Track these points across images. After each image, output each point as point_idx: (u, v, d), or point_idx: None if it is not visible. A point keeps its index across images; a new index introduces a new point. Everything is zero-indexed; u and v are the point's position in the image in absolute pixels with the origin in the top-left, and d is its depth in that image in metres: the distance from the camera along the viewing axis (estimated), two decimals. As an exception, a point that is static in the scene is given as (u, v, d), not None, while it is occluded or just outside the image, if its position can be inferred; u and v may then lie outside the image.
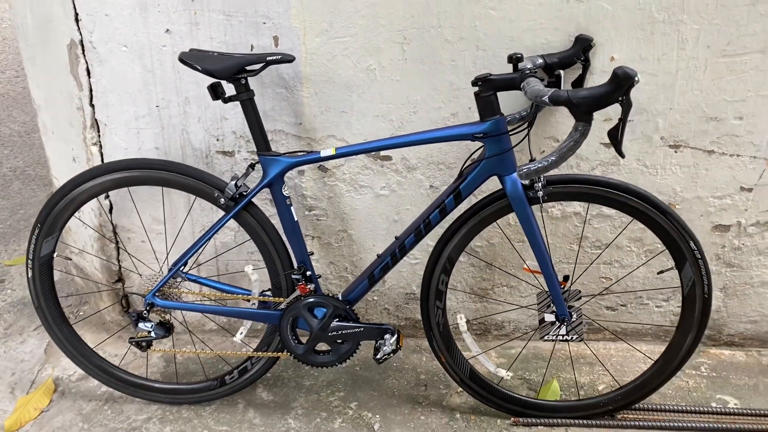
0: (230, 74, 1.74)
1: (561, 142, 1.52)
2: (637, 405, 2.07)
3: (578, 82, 1.93)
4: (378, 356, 1.95)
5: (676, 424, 2.04)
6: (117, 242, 2.29)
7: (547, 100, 1.49)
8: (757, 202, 2.12)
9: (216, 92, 1.80)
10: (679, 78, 1.94)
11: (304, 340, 2.00)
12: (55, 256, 2.01)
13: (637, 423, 2.05)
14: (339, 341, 1.98)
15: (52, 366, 2.31)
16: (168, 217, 2.23)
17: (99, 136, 2.11)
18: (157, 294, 1.95)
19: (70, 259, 2.37)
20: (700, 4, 1.84)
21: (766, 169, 2.07)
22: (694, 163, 2.07)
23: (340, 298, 1.98)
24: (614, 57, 1.92)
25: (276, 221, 1.93)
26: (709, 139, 2.03)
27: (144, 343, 2.00)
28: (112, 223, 2.25)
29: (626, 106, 1.44)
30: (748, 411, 2.10)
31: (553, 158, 1.55)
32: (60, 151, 2.25)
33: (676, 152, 2.06)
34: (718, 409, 2.11)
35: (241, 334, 2.05)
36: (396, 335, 1.96)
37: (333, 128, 2.07)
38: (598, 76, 1.94)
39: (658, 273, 2.22)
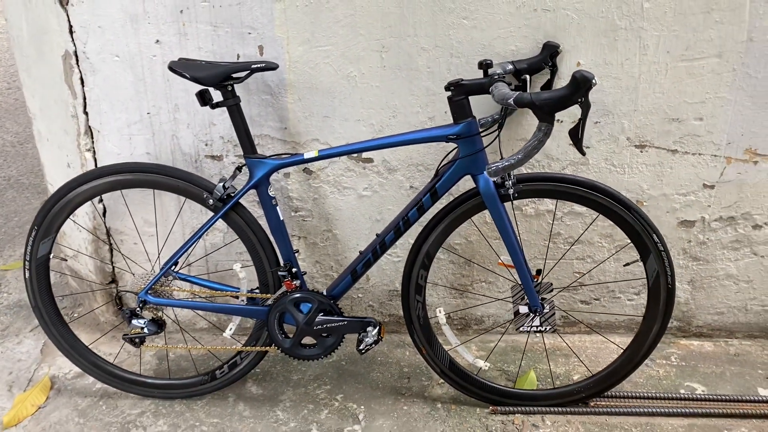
0: (217, 81, 1.84)
1: (526, 141, 1.63)
2: (609, 392, 2.18)
3: (546, 87, 2.05)
4: (361, 347, 2.05)
5: (645, 409, 2.15)
6: (110, 244, 2.38)
7: (512, 102, 1.60)
8: (719, 198, 2.24)
9: (204, 99, 1.90)
10: (642, 81, 2.06)
11: (290, 334, 2.09)
12: (51, 257, 2.10)
13: (608, 409, 2.15)
14: (324, 335, 2.07)
15: (48, 365, 2.40)
16: (159, 220, 2.32)
17: (93, 142, 2.21)
18: (149, 291, 2.05)
19: (66, 260, 2.45)
20: (659, 12, 1.96)
21: (726, 167, 2.19)
22: (659, 162, 2.19)
23: (325, 293, 2.08)
24: (580, 62, 2.04)
25: (263, 221, 2.03)
26: (672, 139, 2.15)
27: (137, 339, 2.09)
28: (106, 226, 2.34)
29: (585, 107, 1.54)
30: (715, 396, 2.21)
31: (520, 156, 1.65)
32: (55, 157, 2.35)
33: (641, 152, 2.17)
34: (686, 395, 2.22)
35: (230, 330, 2.14)
36: (377, 327, 2.06)
37: (317, 132, 2.17)
38: (564, 81, 2.05)
39: (624, 265, 2.33)
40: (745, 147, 2.15)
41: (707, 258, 2.35)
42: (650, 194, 2.24)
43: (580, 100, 1.54)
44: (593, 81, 1.51)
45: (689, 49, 2.02)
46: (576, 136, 1.58)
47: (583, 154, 1.59)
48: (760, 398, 2.19)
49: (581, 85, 1.51)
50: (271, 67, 1.89)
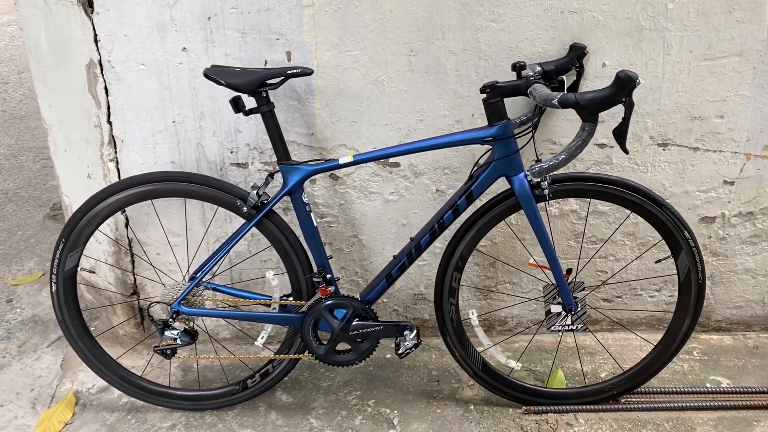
0: (253, 88, 1.83)
1: (570, 141, 1.65)
2: (638, 389, 2.21)
3: (573, 88, 2.07)
4: (400, 351, 2.05)
5: (675, 404, 2.18)
6: (132, 255, 2.34)
7: (557, 103, 1.62)
8: (739, 194, 2.29)
9: (238, 105, 1.89)
10: (665, 81, 2.10)
11: (324, 341, 2.08)
12: (79, 270, 2.06)
13: (639, 405, 2.18)
14: (359, 340, 2.07)
15: (71, 380, 2.35)
16: (181, 230, 2.30)
17: (116, 152, 2.18)
18: (182, 302, 2.02)
19: (94, 272, 2.41)
20: (682, 13, 2.00)
21: (746, 163, 2.23)
22: (680, 160, 2.22)
23: (359, 298, 2.07)
24: (606, 63, 2.07)
25: (295, 228, 2.02)
26: (694, 137, 2.19)
27: (169, 351, 2.06)
28: (128, 237, 2.31)
29: (629, 107, 1.57)
30: (741, 389, 2.25)
31: (563, 156, 1.67)
32: (73, 169, 2.31)
33: (664, 150, 2.21)
34: (713, 389, 2.25)
35: (262, 338, 2.12)
36: (415, 331, 2.06)
37: (344, 138, 2.17)
38: (591, 81, 2.09)
39: (655, 262, 2.36)
40: (764, 143, 2.20)
41: (726, 253, 2.40)
42: (672, 192, 2.28)
43: (624, 99, 1.56)
44: (638, 80, 1.53)
45: (711, 49, 2.06)
46: (620, 135, 1.60)
47: (627, 152, 1.62)
48: (784, 389, 2.24)
49: (626, 84, 1.54)
50: (307, 72, 1.89)
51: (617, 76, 1.54)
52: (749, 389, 2.24)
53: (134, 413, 2.21)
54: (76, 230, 2.00)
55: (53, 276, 2.04)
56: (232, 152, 2.19)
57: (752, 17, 2.02)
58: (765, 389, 2.23)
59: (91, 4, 1.99)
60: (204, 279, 2.06)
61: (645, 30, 2.03)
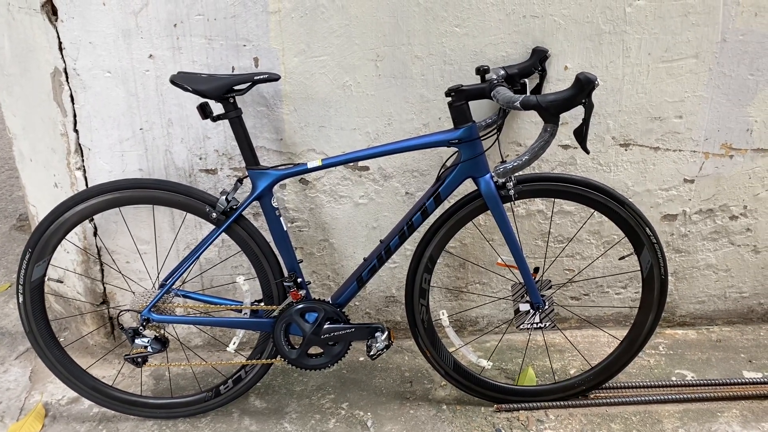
0: (220, 94, 1.84)
1: (533, 142, 1.69)
2: (606, 384, 2.25)
3: (536, 90, 2.12)
4: (371, 353, 2.06)
5: (642, 398, 2.23)
6: (101, 264, 2.32)
7: (519, 105, 1.65)
8: (699, 192, 2.35)
9: (205, 111, 1.89)
10: (625, 83, 2.16)
11: (296, 345, 2.09)
12: (46, 280, 2.04)
13: (608, 400, 2.23)
14: (331, 343, 2.08)
15: (40, 392, 2.32)
16: (150, 237, 2.28)
17: (83, 160, 2.16)
18: (152, 309, 2.01)
19: (62, 282, 2.38)
20: (640, 16, 2.06)
21: (705, 161, 2.30)
22: (642, 160, 2.28)
23: (330, 302, 2.08)
24: (567, 66, 2.12)
25: (265, 233, 2.03)
26: (654, 136, 2.25)
27: (140, 359, 2.05)
28: (97, 246, 2.29)
29: (589, 108, 1.61)
30: (705, 381, 2.31)
31: (527, 157, 1.71)
32: (39, 178, 2.29)
33: (626, 150, 2.27)
34: (678, 382, 2.31)
35: (234, 344, 2.12)
36: (387, 332, 2.07)
37: (313, 142, 2.18)
38: (553, 84, 2.13)
39: (619, 259, 2.42)
40: (721, 142, 2.27)
41: (689, 249, 2.46)
42: (635, 191, 2.33)
43: (584, 101, 1.60)
44: (596, 82, 1.57)
45: (668, 51, 2.12)
46: (581, 135, 1.64)
47: (588, 152, 1.66)
48: (746, 380, 2.30)
49: (585, 86, 1.58)
50: (273, 78, 1.90)
51: (577, 78, 1.58)
52: (713, 381, 2.31)
53: (105, 423, 2.19)
54: (43, 239, 1.98)
55: (20, 287, 2.02)
56: (200, 158, 2.19)
57: (707, 20, 2.09)
58: (728, 381, 2.30)
59: (55, 12, 1.98)
60: (174, 286, 2.06)
61: (605, 33, 2.08)
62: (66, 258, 2.34)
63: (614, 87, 2.16)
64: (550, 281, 2.13)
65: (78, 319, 2.48)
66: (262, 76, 1.88)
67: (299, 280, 2.05)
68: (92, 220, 2.25)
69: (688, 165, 2.30)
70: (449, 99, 1.86)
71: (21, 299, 2.03)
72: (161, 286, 2.04)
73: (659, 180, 2.32)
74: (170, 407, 2.19)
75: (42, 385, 2.35)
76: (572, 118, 2.17)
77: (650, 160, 2.29)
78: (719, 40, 2.12)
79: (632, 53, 2.12)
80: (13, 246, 3.23)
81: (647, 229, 2.01)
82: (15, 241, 3.28)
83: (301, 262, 2.13)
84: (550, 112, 1.64)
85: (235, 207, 1.98)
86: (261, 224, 2.20)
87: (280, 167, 1.96)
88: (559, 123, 1.68)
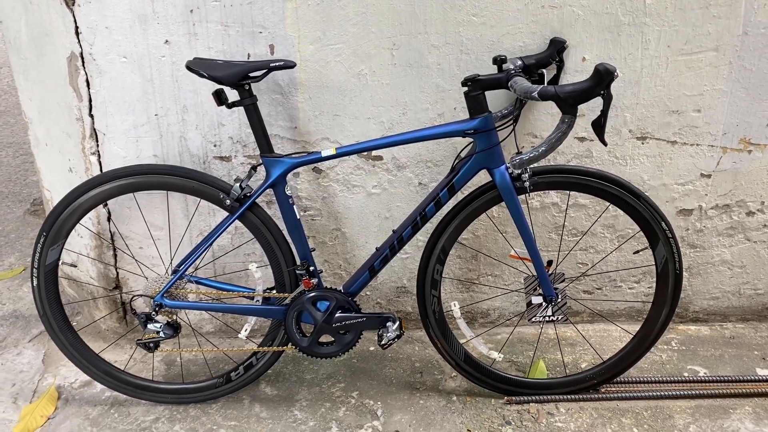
0: (235, 80, 1.83)
1: (549, 134, 1.67)
2: (618, 378, 2.24)
3: (553, 81, 2.10)
4: (383, 343, 2.06)
5: (654, 393, 2.21)
6: (114, 249, 2.34)
7: (537, 96, 1.64)
8: (715, 187, 2.33)
9: (220, 98, 1.89)
10: (643, 75, 2.13)
11: (308, 333, 2.09)
12: (60, 264, 2.05)
13: (619, 394, 2.21)
14: (342, 332, 2.08)
15: (53, 375, 2.34)
16: (164, 223, 2.29)
17: (98, 145, 2.17)
18: (165, 295, 2.02)
19: (76, 266, 2.40)
20: (660, 8, 2.03)
21: (722, 156, 2.27)
22: (659, 153, 2.26)
23: (342, 290, 2.08)
24: (585, 57, 2.10)
25: (278, 221, 2.03)
26: (671, 130, 2.22)
27: (152, 344, 2.06)
28: (110, 231, 2.30)
29: (607, 99, 1.59)
30: (717, 378, 2.29)
31: (543, 148, 1.69)
32: (54, 162, 2.30)
33: (642, 143, 2.24)
34: (690, 378, 2.29)
35: (245, 330, 2.13)
36: (398, 322, 2.07)
37: (327, 131, 2.18)
38: (570, 75, 2.11)
39: (633, 253, 2.40)
40: (740, 137, 2.24)
41: (703, 245, 2.44)
42: (650, 185, 2.31)
43: (603, 92, 1.58)
44: (616, 73, 1.55)
45: (688, 44, 2.09)
46: (599, 127, 1.62)
47: (606, 144, 1.64)
48: (759, 378, 2.28)
49: (604, 77, 1.56)
50: (289, 65, 1.89)
51: (596, 68, 1.56)
52: (726, 378, 2.29)
53: (117, 407, 2.20)
54: (57, 223, 1.99)
55: (34, 270, 2.03)
56: (215, 145, 2.19)
57: (728, 12, 2.05)
58: (741, 378, 2.28)
59: (71, -4, 1.98)
60: (187, 272, 2.06)
61: (624, 25, 2.06)
62: (80, 242, 2.35)
63: (632, 79, 2.14)
64: (563, 274, 2.12)
65: (91, 303, 2.50)
66: (277, 64, 1.87)
67: (311, 268, 2.05)
68: (106, 205, 2.25)
69: (706, 159, 2.28)
70: (465, 89, 1.84)
71: (35, 283, 2.04)
72: (174, 271, 2.04)
73: (675, 174, 2.30)
74: (181, 393, 2.20)
75: (55, 368, 2.37)
76: (589, 110, 2.15)
77: (667, 154, 2.26)
78: (740, 33, 2.09)
79: (651, 45, 2.09)
80: (27, 230, 3.26)
81: (663, 224, 1.99)
82: (29, 226, 3.30)
83: (314, 250, 2.13)
84: (569, 103, 1.62)
85: (248, 194, 1.98)
86: (274, 212, 2.20)
87: (294, 155, 1.95)
88: (577, 114, 1.66)
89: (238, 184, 1.96)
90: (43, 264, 2.02)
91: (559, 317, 2.14)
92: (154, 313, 2.03)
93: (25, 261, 3.01)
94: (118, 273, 2.39)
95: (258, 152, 1.98)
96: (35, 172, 3.03)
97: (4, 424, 2.12)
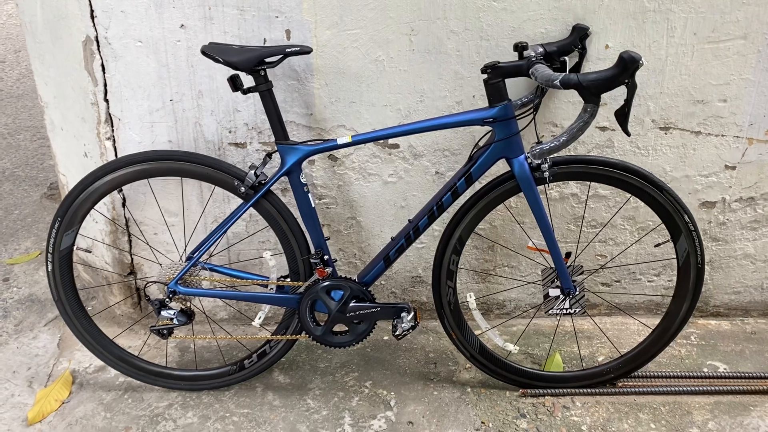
0: (251, 66, 1.81)
1: (571, 123, 1.63)
2: (635, 373, 2.21)
3: (575, 69, 2.05)
4: (397, 333, 2.04)
5: (672, 388, 2.18)
6: (129, 235, 2.33)
7: (559, 84, 1.60)
8: (740, 179, 2.27)
9: (235, 84, 1.87)
10: (668, 64, 2.08)
11: (321, 322, 2.08)
12: (75, 249, 2.05)
13: (636, 389, 2.18)
14: (356, 321, 2.06)
15: (68, 359, 2.35)
16: (178, 210, 2.28)
17: (113, 130, 2.16)
18: (179, 282, 2.01)
19: (91, 252, 2.40)
20: (687, -6, 1.98)
21: (748, 148, 2.22)
22: (682, 144, 2.21)
23: (356, 280, 2.06)
24: (608, 45, 2.04)
25: (293, 209, 2.01)
26: (696, 120, 2.17)
27: (165, 331, 2.06)
28: (125, 217, 2.29)
29: (632, 88, 1.55)
30: (737, 374, 2.25)
31: (564, 138, 1.66)
32: (70, 147, 2.29)
33: (666, 134, 2.19)
34: (710, 374, 2.26)
35: (259, 318, 2.12)
36: (412, 313, 2.05)
37: (343, 118, 2.15)
38: (593, 63, 2.06)
39: (654, 246, 2.35)
40: (766, 128, 2.18)
41: (726, 238, 2.39)
42: (673, 176, 2.26)
43: (627, 81, 1.54)
44: (641, 62, 1.51)
45: (715, 31, 2.03)
46: (622, 116, 1.58)
47: (629, 134, 1.60)
48: (781, 374, 2.24)
49: (629, 65, 1.52)
50: (305, 51, 1.86)
51: (620, 56, 1.52)
52: (746, 374, 2.25)
53: (131, 392, 2.21)
54: (72, 208, 1.98)
55: (49, 255, 2.03)
56: (230, 132, 2.17)
57: (758, -1, 1.99)
58: (762, 374, 2.24)
59: (87, -21, 1.96)
60: (201, 259, 2.05)
61: (649, 12, 2.00)
62: (95, 228, 2.35)
63: (656, 68, 2.08)
64: (581, 266, 2.08)
65: (105, 289, 2.50)
66: (293, 49, 1.84)
67: (326, 257, 2.03)
68: (121, 190, 2.25)
69: (731, 151, 2.22)
70: (485, 76, 1.80)
71: (50, 267, 2.04)
72: (188, 258, 2.03)
73: (699, 166, 2.24)
74: (195, 379, 2.20)
75: (70, 353, 2.38)
76: (611, 99, 2.10)
77: (690, 145, 2.21)
78: (770, 21, 2.02)
79: (677, 33, 2.03)
80: (43, 214, 3.27)
81: (685, 216, 1.94)
82: (45, 210, 3.31)
83: (329, 239, 2.11)
84: (591, 91, 1.58)
85: (263, 182, 1.96)
86: (289, 200, 2.18)
87: (309, 143, 1.93)
88: (600, 104, 1.61)
89: (252, 171, 1.94)
90: (57, 249, 2.02)
91: (577, 310, 2.11)
92: (167, 299, 2.02)
93: (42, 245, 3.02)
94: (132, 259, 2.39)
95: (273, 139, 1.95)
96: (51, 156, 3.03)
97: (19, 408, 2.14)
